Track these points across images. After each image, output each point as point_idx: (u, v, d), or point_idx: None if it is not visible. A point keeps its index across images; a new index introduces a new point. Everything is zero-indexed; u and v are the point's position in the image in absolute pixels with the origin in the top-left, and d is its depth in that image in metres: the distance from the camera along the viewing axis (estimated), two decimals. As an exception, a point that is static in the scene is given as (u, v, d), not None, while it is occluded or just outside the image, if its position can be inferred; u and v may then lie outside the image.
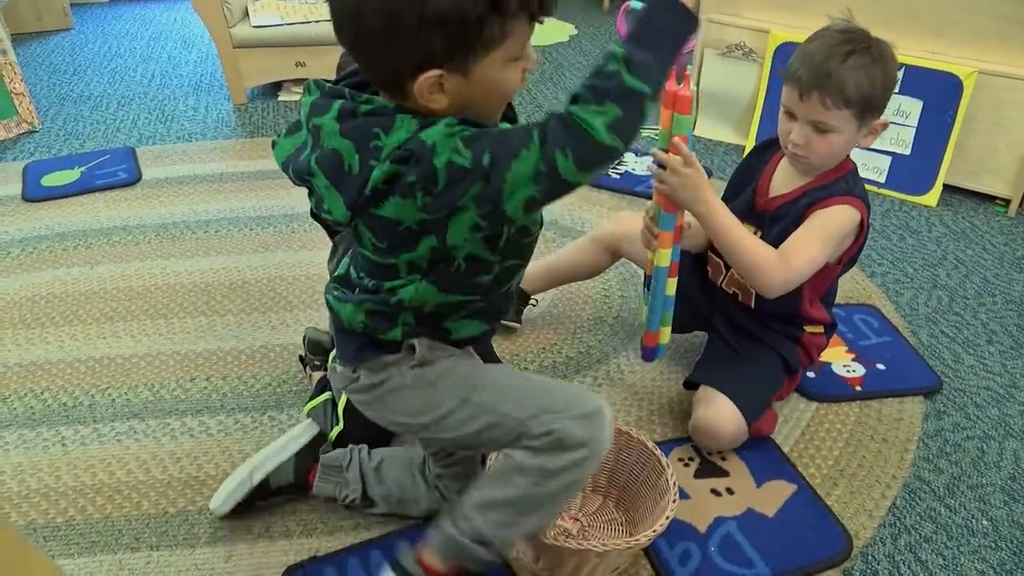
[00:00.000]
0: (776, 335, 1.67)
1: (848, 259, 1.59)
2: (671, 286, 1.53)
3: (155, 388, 1.79)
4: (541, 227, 1.17)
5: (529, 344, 1.94)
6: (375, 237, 1.05)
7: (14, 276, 2.19)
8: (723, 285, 1.70)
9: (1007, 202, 2.65)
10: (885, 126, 1.51)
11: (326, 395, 1.60)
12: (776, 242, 1.51)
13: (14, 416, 1.71)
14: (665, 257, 1.48)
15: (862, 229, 1.54)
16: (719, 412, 1.56)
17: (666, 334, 1.62)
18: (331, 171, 1.00)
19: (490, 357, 1.71)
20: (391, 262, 1.08)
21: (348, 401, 1.53)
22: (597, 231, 1.85)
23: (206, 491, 1.52)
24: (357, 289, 1.16)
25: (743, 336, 1.70)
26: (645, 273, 1.58)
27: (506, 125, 1.08)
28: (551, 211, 2.50)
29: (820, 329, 1.70)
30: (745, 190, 1.65)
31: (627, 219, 1.80)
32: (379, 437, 1.57)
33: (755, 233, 1.58)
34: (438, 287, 1.09)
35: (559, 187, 0.92)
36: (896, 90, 2.61)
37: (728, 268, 1.65)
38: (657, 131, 1.42)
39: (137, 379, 1.81)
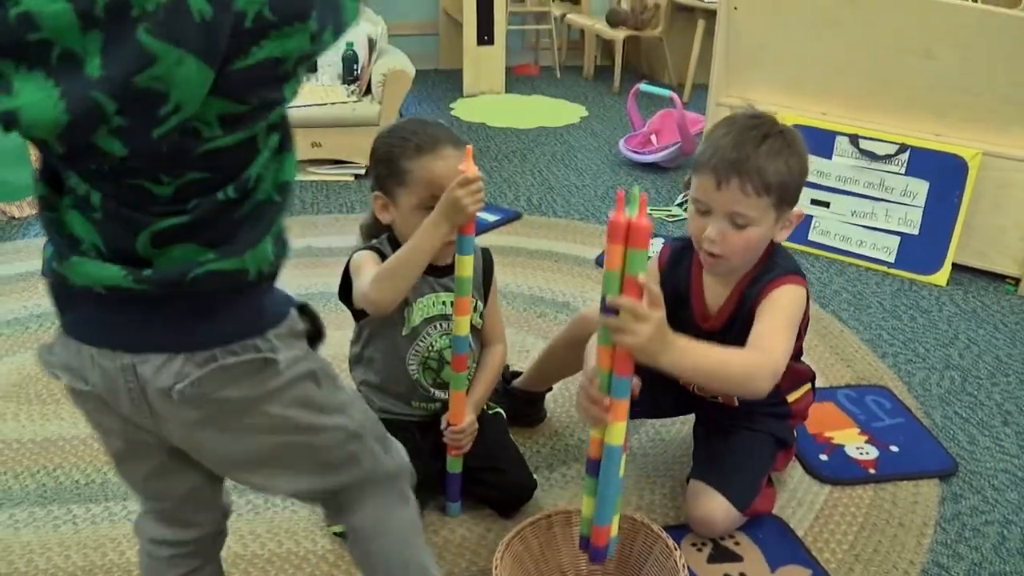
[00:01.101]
0: (762, 416, 1.63)
1: (803, 331, 1.55)
2: (624, 465, 1.27)
3: (167, 466, 1.79)
4: None
5: (542, 428, 1.94)
6: (234, 101, 0.81)
7: (31, 352, 2.21)
8: (696, 391, 1.65)
9: (1016, 281, 2.67)
10: (800, 216, 1.47)
11: None
12: (739, 340, 1.43)
13: (26, 493, 1.71)
14: (619, 432, 1.21)
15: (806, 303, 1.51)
16: (709, 504, 1.56)
17: (616, 524, 1.31)
18: (176, 29, 0.74)
19: (505, 441, 1.72)
20: (249, 135, 0.86)
21: None
22: (567, 335, 1.76)
23: (215, 573, 1.51)
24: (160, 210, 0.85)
25: (727, 426, 1.65)
26: (588, 456, 1.27)
27: None
28: (552, 290, 2.52)
29: (805, 388, 1.68)
30: (679, 311, 1.51)
31: (590, 318, 1.69)
32: None
33: None
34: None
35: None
36: (903, 171, 2.68)
37: None
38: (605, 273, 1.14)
39: (149, 457, 1.82)
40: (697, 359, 1.26)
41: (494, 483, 1.63)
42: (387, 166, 1.49)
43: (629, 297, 1.10)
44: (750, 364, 1.35)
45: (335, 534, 1.57)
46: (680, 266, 1.59)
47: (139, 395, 0.91)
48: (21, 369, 2.14)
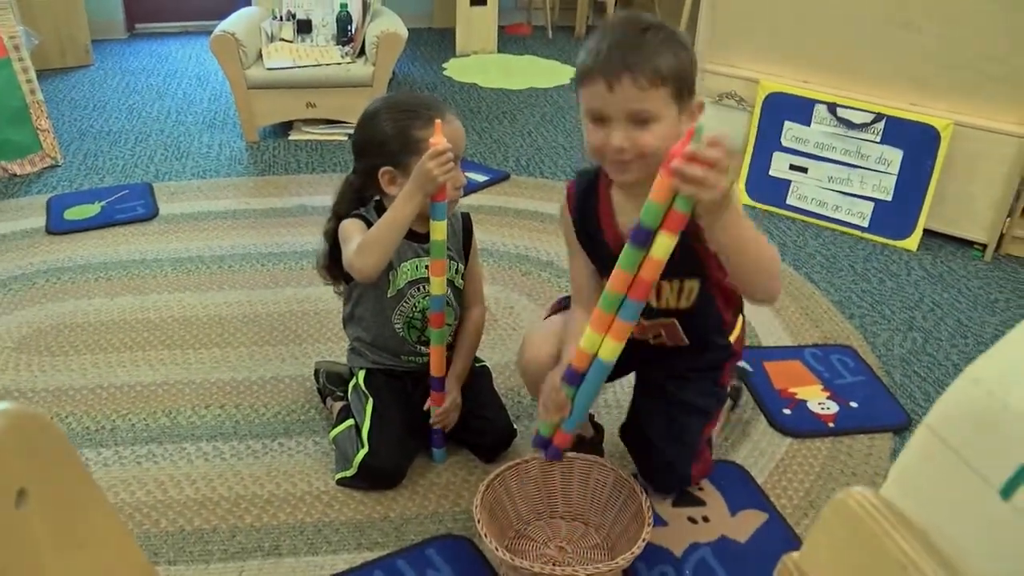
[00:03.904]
0: (699, 373, 1.57)
1: None
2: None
3: (172, 415, 1.91)
4: None
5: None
6: None
7: (39, 305, 2.32)
8: (651, 340, 1.59)
9: (984, 247, 2.78)
10: (702, 107, 1.36)
11: (349, 422, 1.73)
12: (681, 265, 1.36)
13: (40, 439, 1.83)
14: (615, 351, 1.32)
15: None
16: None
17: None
18: None
19: (489, 391, 1.84)
20: None
21: (371, 426, 1.66)
22: (526, 378, 1.67)
23: (219, 511, 1.64)
24: None
25: (665, 388, 1.60)
26: (574, 368, 1.39)
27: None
28: (544, 252, 2.62)
29: (740, 320, 1.63)
30: (594, 246, 1.49)
31: (537, 342, 1.62)
32: (403, 461, 1.71)
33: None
34: None
35: None
36: (878, 139, 2.78)
37: (650, 316, 1.53)
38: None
39: (155, 406, 1.94)
40: (745, 228, 1.26)
41: (478, 429, 1.76)
42: (400, 139, 1.58)
43: (716, 149, 1.13)
44: (775, 255, 1.32)
45: (338, 481, 1.70)
46: (589, 196, 1.50)
47: None
48: (31, 323, 2.24)
